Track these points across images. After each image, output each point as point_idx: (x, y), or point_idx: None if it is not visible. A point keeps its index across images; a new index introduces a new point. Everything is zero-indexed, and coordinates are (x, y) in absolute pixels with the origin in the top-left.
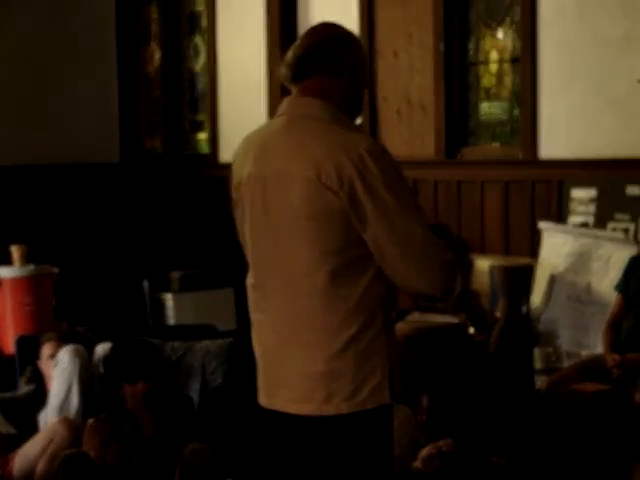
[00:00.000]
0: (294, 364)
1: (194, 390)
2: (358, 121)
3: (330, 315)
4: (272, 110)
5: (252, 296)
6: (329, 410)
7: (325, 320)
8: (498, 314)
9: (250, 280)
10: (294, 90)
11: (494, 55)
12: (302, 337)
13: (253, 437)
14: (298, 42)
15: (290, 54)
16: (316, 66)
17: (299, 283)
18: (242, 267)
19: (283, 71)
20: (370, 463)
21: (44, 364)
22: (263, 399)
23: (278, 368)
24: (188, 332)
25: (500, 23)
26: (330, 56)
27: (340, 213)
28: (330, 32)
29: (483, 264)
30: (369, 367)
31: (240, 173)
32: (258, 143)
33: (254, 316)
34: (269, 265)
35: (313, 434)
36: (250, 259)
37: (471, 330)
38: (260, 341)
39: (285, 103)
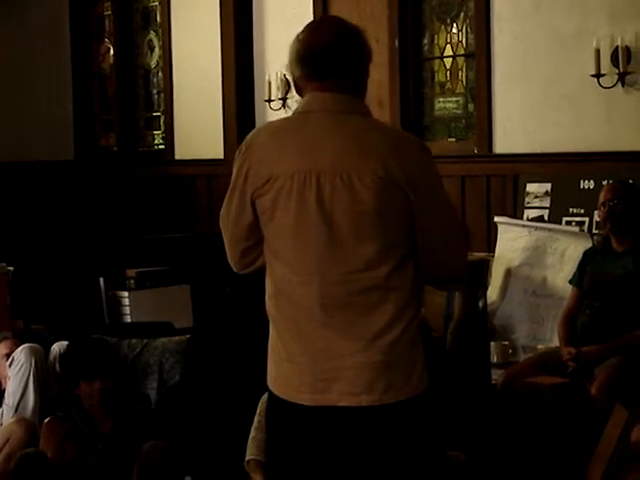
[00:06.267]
0: (352, 356)
1: (151, 388)
2: None
3: (390, 306)
4: (227, 106)
5: (293, 293)
6: (389, 399)
7: (385, 311)
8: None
9: (291, 277)
10: (313, 86)
11: (449, 50)
12: (361, 330)
13: (287, 439)
14: (311, 38)
15: (304, 51)
16: (341, 63)
17: (359, 278)
18: (198, 264)
19: (299, 68)
20: (424, 446)
21: None
22: (306, 398)
23: (331, 363)
24: (145, 330)
25: (454, 18)
26: (352, 53)
27: (404, 207)
28: (345, 28)
29: None
30: (417, 353)
31: (272, 168)
32: (299, 138)
33: (294, 315)
34: (321, 262)
35: (372, 424)
36: (289, 256)
37: None
38: (303, 339)
39: (319, 99)
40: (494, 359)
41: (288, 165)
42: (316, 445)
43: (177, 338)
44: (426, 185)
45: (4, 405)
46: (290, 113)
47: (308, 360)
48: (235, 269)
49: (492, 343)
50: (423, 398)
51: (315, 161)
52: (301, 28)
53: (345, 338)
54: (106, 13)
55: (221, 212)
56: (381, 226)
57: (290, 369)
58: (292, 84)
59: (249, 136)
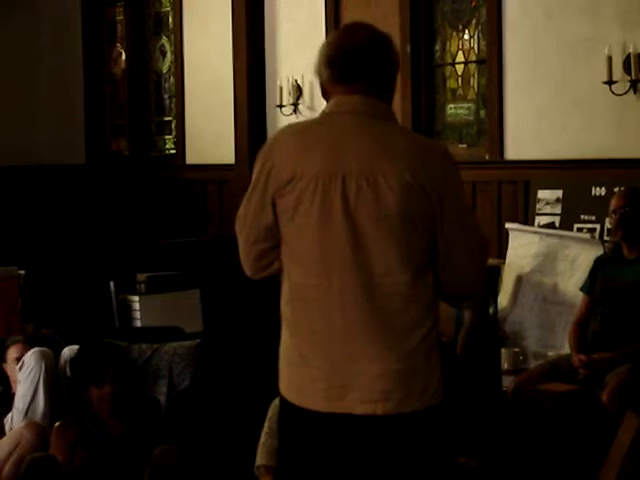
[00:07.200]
0: (370, 363)
1: (161, 392)
2: None
3: (409, 314)
4: (238, 111)
5: (311, 296)
6: (405, 408)
7: (405, 319)
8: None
9: (309, 280)
10: (340, 89)
11: (460, 57)
12: (380, 337)
13: (300, 445)
14: (342, 41)
15: (334, 53)
16: (370, 67)
17: (380, 283)
18: (208, 268)
19: (327, 70)
20: (437, 456)
21: (10, 367)
22: (320, 404)
23: (348, 369)
24: (155, 334)
25: (466, 25)
26: (382, 58)
27: (428, 214)
28: (375, 33)
29: None
30: (434, 362)
31: (296, 169)
32: (325, 139)
33: (310, 319)
34: (342, 265)
35: (387, 433)
36: (309, 257)
37: None
38: (320, 344)
39: (346, 101)
40: (505, 366)
41: (313, 166)
42: (328, 452)
43: (187, 343)
44: (450, 193)
45: (14, 409)
46: (301, 118)
47: (324, 366)
48: (249, 273)
49: (503, 350)
50: (439, 409)
51: (341, 162)
52: (313, 33)
53: (363, 345)
54: (118, 18)
55: (238, 212)
56: (404, 231)
57: (305, 374)
58: (319, 87)
59: (273, 136)
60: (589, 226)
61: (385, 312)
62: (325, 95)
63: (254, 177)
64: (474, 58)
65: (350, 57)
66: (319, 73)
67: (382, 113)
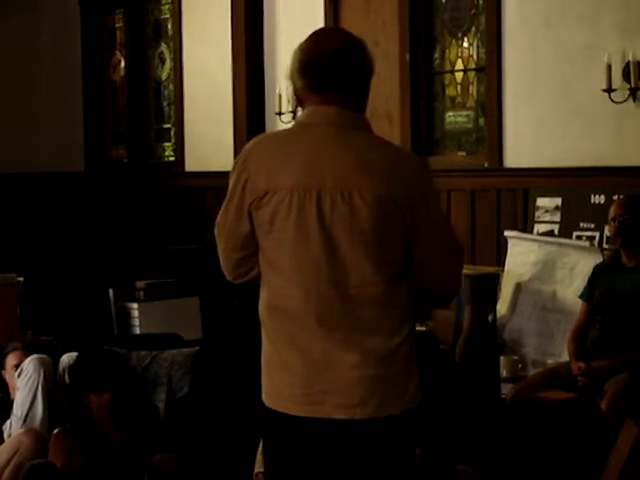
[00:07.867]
0: (348, 370)
1: (160, 399)
2: None
3: (386, 322)
4: (237, 118)
5: (290, 306)
6: (383, 413)
7: (381, 327)
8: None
9: (287, 290)
10: (315, 99)
11: (459, 64)
12: (357, 345)
13: (281, 449)
14: (315, 48)
15: (308, 61)
16: (344, 75)
17: (356, 294)
18: (207, 276)
19: (301, 79)
20: (410, 459)
21: (8, 374)
22: (299, 409)
23: (327, 375)
24: (154, 341)
25: (465, 32)
26: (356, 65)
27: (402, 225)
28: (349, 39)
29: None
30: (411, 368)
31: (271, 181)
32: (300, 151)
33: (289, 327)
34: (318, 276)
35: (365, 437)
36: (286, 269)
37: None
38: (298, 350)
39: (320, 112)
40: (503, 373)
41: (288, 179)
42: (309, 457)
43: (186, 350)
44: (425, 204)
45: (13, 416)
46: None
47: (303, 371)
48: (229, 278)
49: (501, 357)
50: (414, 414)
51: (316, 176)
52: None
53: (341, 351)
54: (117, 25)
55: (217, 220)
56: (378, 243)
57: (284, 380)
58: (294, 95)
59: (248, 145)
60: (588, 234)
61: (362, 321)
62: (300, 103)
63: (231, 186)
64: (473, 66)
65: (324, 65)
66: (293, 81)
67: (356, 123)
